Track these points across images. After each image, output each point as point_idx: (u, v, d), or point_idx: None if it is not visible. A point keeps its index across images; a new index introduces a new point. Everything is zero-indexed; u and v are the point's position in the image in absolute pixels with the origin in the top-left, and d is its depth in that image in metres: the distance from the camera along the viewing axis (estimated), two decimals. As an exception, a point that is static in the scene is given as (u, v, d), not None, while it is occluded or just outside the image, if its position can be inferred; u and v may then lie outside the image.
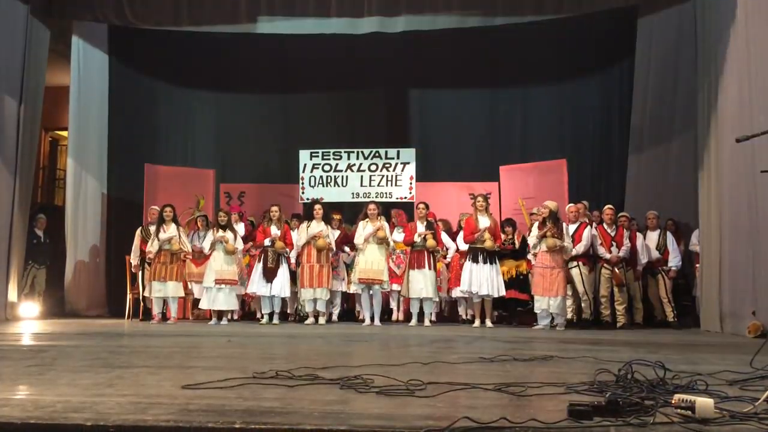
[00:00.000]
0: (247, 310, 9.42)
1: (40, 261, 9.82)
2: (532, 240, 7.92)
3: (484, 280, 7.90)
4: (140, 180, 9.84)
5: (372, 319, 8.33)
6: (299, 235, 8.48)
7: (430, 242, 8.11)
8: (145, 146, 10.71)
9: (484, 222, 8.04)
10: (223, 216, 8.53)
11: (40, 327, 7.41)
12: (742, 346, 5.31)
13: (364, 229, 8.31)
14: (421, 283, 8.07)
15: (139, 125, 10.83)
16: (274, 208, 8.57)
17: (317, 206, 8.54)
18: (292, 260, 8.65)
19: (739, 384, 2.91)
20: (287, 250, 8.48)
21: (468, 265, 8.03)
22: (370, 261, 8.24)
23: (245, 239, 8.81)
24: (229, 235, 8.37)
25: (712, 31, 7.75)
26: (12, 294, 8.62)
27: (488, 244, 7.92)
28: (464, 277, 8.05)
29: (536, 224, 7.99)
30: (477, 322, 8.11)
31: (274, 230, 8.43)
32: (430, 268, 8.13)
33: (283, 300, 8.86)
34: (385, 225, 8.41)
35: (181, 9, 9.39)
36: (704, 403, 2.09)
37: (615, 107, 10.20)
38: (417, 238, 8.15)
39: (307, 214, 8.60)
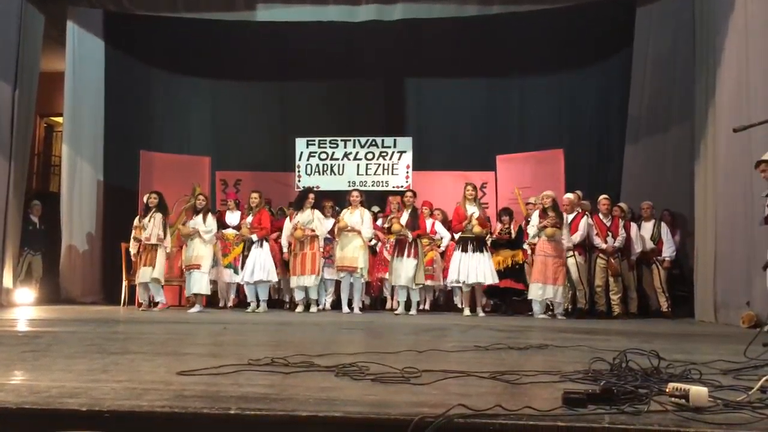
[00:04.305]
0: (242, 298, 9.42)
1: (36, 248, 9.79)
2: (532, 230, 7.95)
3: (473, 268, 7.92)
4: (136, 167, 9.80)
5: (350, 306, 8.35)
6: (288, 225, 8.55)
7: (395, 227, 8.09)
8: (140, 133, 10.67)
9: (471, 210, 8.06)
10: (202, 200, 8.68)
11: (36, 313, 7.40)
12: (736, 336, 5.34)
13: (342, 217, 8.36)
14: (399, 271, 8.10)
15: (135, 112, 10.77)
16: (254, 195, 8.59)
17: (311, 195, 8.53)
18: (285, 249, 8.67)
19: (732, 373, 2.92)
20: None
21: (457, 254, 8.06)
22: (345, 249, 8.25)
23: (239, 228, 8.78)
24: (198, 219, 8.46)
25: (710, 21, 7.72)
26: (7, 280, 8.61)
27: (476, 230, 7.93)
28: (453, 266, 8.09)
29: (536, 213, 8.01)
30: (467, 311, 8.13)
31: (250, 218, 8.50)
32: (409, 256, 8.12)
33: (279, 288, 8.88)
34: (367, 214, 8.42)
35: (177, -6, 9.33)
36: (698, 391, 2.09)
37: (612, 97, 10.18)
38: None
39: (297, 203, 8.58)
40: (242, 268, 8.50)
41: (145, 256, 8.45)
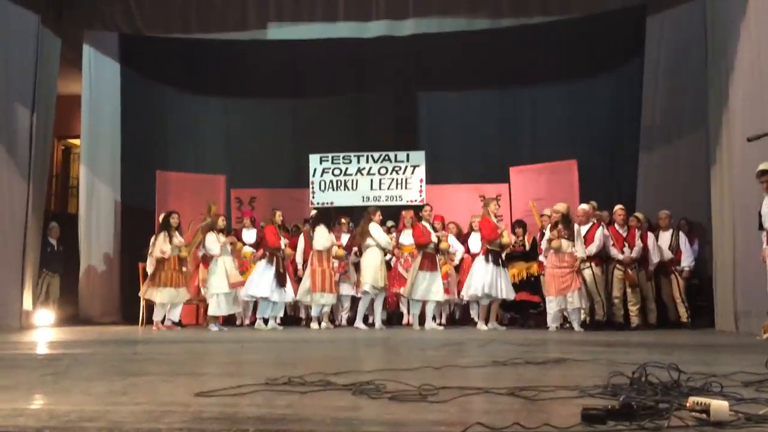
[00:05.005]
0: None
1: (54, 269, 9.89)
2: (545, 245, 7.92)
3: (499, 282, 7.89)
4: (152, 187, 9.89)
5: (366, 322, 8.39)
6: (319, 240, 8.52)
7: (444, 244, 8.15)
8: (157, 153, 10.78)
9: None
10: (224, 221, 8.75)
11: (55, 335, 7.46)
12: (758, 346, 5.26)
13: (391, 234, 8.59)
14: (431, 285, 8.07)
15: (151, 132, 10.89)
16: (279, 213, 8.63)
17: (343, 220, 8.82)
18: (300, 266, 8.69)
19: (754, 385, 2.87)
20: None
21: (484, 266, 7.99)
22: (381, 265, 8.27)
23: (255, 246, 8.82)
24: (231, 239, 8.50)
25: (722, 27, 7.69)
26: (27, 302, 8.69)
27: (506, 240, 8.04)
28: (478, 279, 8.03)
29: (549, 227, 7.97)
30: (481, 325, 8.08)
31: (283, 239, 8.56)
32: (438, 270, 8.23)
33: (295, 304, 8.91)
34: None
35: (190, 17, 9.49)
36: (719, 405, 2.07)
37: (625, 106, 10.13)
38: (434, 238, 8.14)
39: (326, 221, 8.59)
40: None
41: (166, 275, 8.41)
